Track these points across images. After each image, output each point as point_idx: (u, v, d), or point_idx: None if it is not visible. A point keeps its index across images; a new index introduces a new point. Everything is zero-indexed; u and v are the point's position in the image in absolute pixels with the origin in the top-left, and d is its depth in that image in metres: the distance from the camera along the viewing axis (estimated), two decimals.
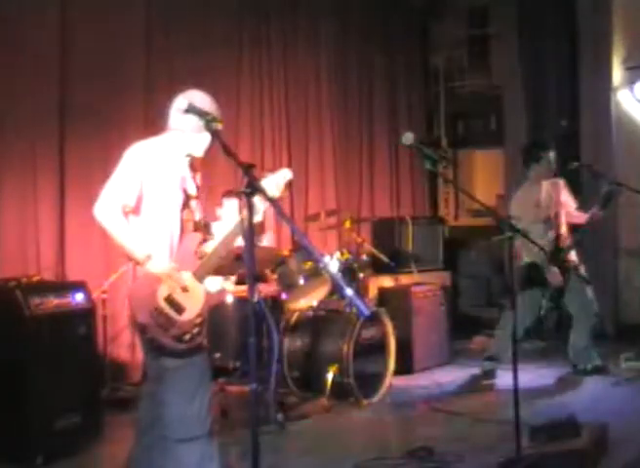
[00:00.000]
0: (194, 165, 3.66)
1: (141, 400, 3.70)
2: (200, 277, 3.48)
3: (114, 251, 5.60)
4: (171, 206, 3.49)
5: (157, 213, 3.45)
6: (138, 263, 3.39)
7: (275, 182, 3.50)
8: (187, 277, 3.44)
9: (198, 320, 3.43)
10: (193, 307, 3.43)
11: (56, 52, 5.62)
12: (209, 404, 3.49)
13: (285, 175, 3.55)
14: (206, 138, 3.57)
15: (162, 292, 3.38)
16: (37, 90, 5.51)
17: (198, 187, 3.67)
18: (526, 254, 5.87)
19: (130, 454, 3.63)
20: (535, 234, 5.48)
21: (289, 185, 3.60)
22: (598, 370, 6.13)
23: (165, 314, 3.37)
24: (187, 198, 3.56)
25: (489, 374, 6.06)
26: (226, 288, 5.48)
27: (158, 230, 3.45)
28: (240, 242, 3.53)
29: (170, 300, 3.39)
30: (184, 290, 3.42)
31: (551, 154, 6.08)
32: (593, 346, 6.20)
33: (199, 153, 3.63)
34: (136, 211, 3.42)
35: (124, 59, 6.06)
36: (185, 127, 3.52)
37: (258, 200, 3.40)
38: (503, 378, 5.73)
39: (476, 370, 6.22)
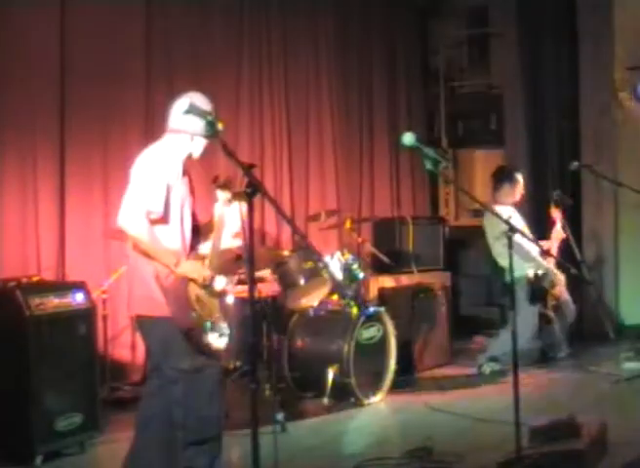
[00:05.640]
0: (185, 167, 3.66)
1: (142, 399, 3.71)
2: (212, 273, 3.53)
3: (114, 251, 5.62)
4: (186, 212, 3.49)
5: (175, 219, 3.45)
6: (168, 267, 3.38)
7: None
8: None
9: (221, 320, 3.46)
10: (215, 307, 3.46)
11: (56, 52, 5.61)
12: (223, 405, 3.52)
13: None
14: (204, 140, 3.57)
15: (191, 293, 3.40)
16: (37, 90, 5.50)
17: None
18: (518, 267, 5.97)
19: (128, 453, 3.64)
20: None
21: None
22: (568, 357, 6.48)
23: (200, 315, 3.39)
24: (192, 201, 3.57)
25: (499, 374, 6.08)
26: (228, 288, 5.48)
27: (175, 237, 3.45)
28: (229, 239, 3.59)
29: (200, 301, 3.41)
30: (208, 288, 3.44)
31: (521, 179, 6.32)
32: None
33: (197, 155, 3.63)
34: (164, 216, 3.40)
35: (124, 59, 6.06)
36: (190, 129, 3.50)
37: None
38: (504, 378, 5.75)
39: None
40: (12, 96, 5.38)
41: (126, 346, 5.91)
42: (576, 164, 6.50)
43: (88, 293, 4.72)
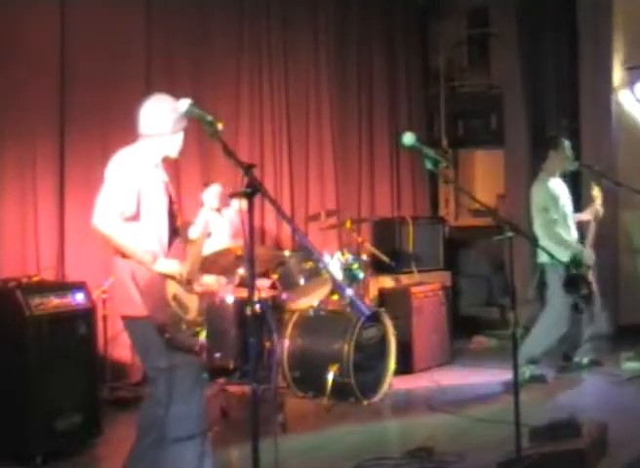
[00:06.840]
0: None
1: (144, 400, 3.72)
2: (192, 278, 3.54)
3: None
4: (161, 213, 3.51)
5: (150, 220, 3.47)
6: (145, 266, 3.41)
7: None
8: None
9: (199, 318, 3.47)
10: (193, 305, 3.47)
11: (56, 52, 5.61)
12: (204, 402, 3.54)
13: None
14: (179, 138, 3.62)
15: (169, 291, 3.41)
16: (37, 90, 5.50)
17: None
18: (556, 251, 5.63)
19: (129, 454, 3.64)
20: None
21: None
22: (594, 364, 6.20)
23: (175, 313, 3.40)
24: (171, 203, 3.59)
25: (538, 378, 5.93)
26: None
27: (150, 237, 3.47)
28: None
29: (176, 299, 3.42)
30: (188, 287, 3.47)
31: (567, 143, 6.06)
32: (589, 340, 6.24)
33: (175, 154, 3.66)
34: (136, 217, 3.43)
35: (124, 59, 6.06)
36: (162, 131, 3.54)
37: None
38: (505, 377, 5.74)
39: (477, 372, 6.24)
40: (12, 97, 5.38)
41: (126, 346, 5.89)
42: (576, 164, 6.50)
43: (88, 293, 4.72)
